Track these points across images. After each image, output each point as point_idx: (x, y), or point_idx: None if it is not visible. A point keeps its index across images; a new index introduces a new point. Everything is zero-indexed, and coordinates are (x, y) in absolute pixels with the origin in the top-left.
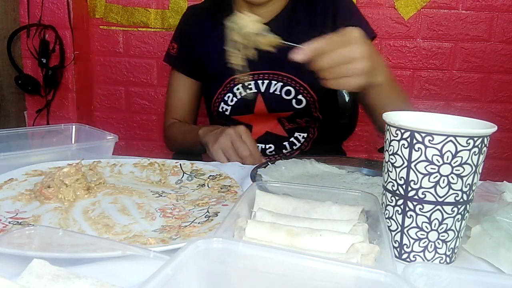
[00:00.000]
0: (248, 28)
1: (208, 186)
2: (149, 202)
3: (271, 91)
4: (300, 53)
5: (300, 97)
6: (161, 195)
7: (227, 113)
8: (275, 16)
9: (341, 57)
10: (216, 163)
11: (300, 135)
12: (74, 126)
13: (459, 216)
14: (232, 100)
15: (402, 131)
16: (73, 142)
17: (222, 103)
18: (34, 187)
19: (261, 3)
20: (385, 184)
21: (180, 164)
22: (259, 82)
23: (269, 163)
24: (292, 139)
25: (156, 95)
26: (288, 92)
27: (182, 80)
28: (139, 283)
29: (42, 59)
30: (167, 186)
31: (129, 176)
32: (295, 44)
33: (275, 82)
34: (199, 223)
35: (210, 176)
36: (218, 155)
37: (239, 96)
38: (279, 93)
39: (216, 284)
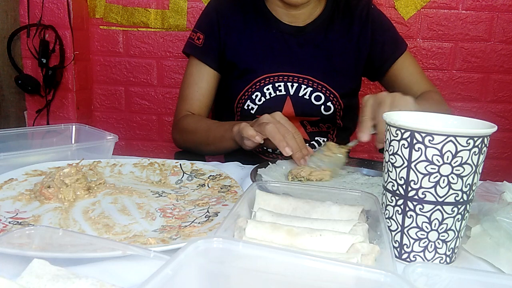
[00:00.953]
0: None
1: (208, 186)
2: (149, 202)
3: (300, 94)
4: (366, 135)
5: (329, 104)
6: (161, 195)
7: (253, 111)
8: (312, 21)
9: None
10: (216, 163)
11: (320, 139)
12: (74, 126)
13: (459, 216)
14: (260, 100)
15: (402, 131)
16: (73, 142)
17: (248, 101)
18: (34, 187)
19: (298, 4)
20: (385, 184)
21: (180, 164)
22: (289, 84)
23: (269, 163)
24: (313, 142)
25: (156, 95)
26: (318, 98)
27: (205, 71)
28: (139, 283)
29: (42, 59)
30: (167, 186)
31: (129, 176)
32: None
33: (305, 86)
34: (199, 223)
35: (210, 176)
36: (248, 131)
37: (268, 96)
38: (308, 98)
39: (216, 284)
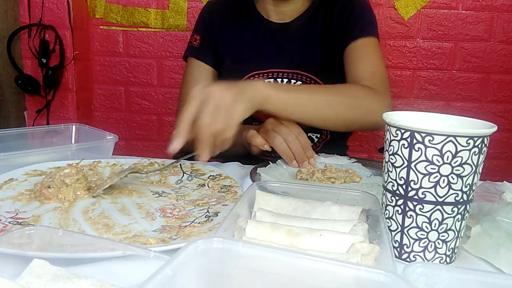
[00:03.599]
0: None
1: (208, 186)
2: (149, 202)
3: None
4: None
5: None
6: (161, 195)
7: None
8: (298, 16)
9: None
10: (216, 163)
11: (313, 135)
12: (74, 126)
13: (459, 216)
14: None
15: (402, 131)
16: (73, 142)
17: None
18: (34, 187)
19: None
20: (385, 184)
21: (180, 164)
22: (279, 80)
23: (269, 162)
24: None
25: (156, 95)
26: None
27: (204, 69)
28: (139, 283)
29: (42, 59)
30: (167, 186)
31: (129, 176)
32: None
33: (294, 81)
34: (199, 223)
35: (210, 176)
36: (256, 139)
37: None
38: None
39: (216, 284)
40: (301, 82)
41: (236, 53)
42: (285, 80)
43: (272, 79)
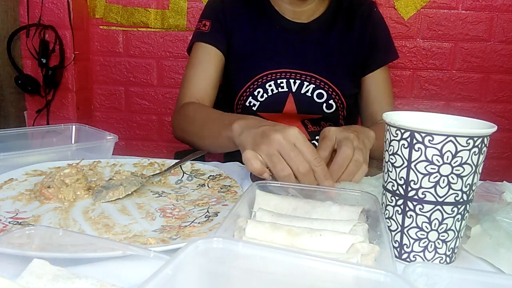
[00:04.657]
0: None
1: (208, 186)
2: (149, 202)
3: (302, 92)
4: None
5: (331, 102)
6: (161, 195)
7: (254, 108)
8: (316, 18)
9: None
10: (216, 163)
11: None
12: (74, 126)
13: (459, 216)
14: (262, 96)
15: (402, 131)
16: (73, 142)
17: (250, 97)
18: (34, 187)
19: None
20: (385, 184)
21: (180, 164)
22: (291, 81)
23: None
24: (313, 141)
25: (156, 95)
26: (320, 95)
27: (212, 53)
28: (139, 283)
29: (42, 59)
30: (167, 186)
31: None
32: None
33: (307, 83)
34: (199, 223)
35: (210, 176)
36: (254, 164)
37: (270, 93)
38: (310, 95)
39: (216, 284)
40: (314, 86)
41: (249, 52)
42: (298, 82)
43: (285, 80)
